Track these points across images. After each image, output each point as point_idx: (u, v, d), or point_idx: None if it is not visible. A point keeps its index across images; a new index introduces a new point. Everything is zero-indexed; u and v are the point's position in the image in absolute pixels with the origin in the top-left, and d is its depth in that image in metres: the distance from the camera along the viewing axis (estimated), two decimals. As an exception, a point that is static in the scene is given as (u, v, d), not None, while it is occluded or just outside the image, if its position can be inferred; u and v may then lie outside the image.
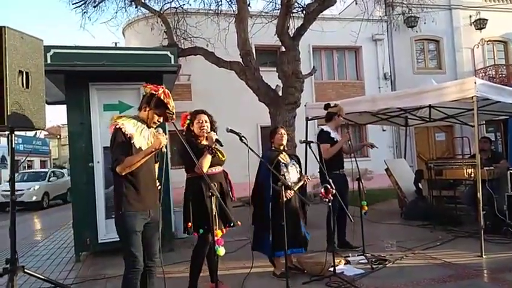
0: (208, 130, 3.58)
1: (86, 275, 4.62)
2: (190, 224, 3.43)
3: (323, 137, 5.05)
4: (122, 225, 2.78)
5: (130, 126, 2.83)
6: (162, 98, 2.89)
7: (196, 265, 3.57)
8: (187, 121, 3.66)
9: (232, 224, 3.51)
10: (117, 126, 2.81)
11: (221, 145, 3.48)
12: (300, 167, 4.35)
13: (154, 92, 2.90)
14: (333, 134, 5.11)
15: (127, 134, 2.79)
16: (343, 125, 5.33)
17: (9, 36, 3.03)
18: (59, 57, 5.34)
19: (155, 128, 2.98)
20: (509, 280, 3.76)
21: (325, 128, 5.22)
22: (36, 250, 6.37)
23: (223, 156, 3.65)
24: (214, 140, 3.43)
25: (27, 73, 3.16)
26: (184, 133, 3.66)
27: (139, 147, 2.81)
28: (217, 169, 3.61)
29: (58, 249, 6.32)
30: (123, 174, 2.75)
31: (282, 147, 4.26)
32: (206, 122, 3.59)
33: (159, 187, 3.08)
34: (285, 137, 4.30)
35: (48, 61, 5.12)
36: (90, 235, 5.26)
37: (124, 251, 2.81)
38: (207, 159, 3.42)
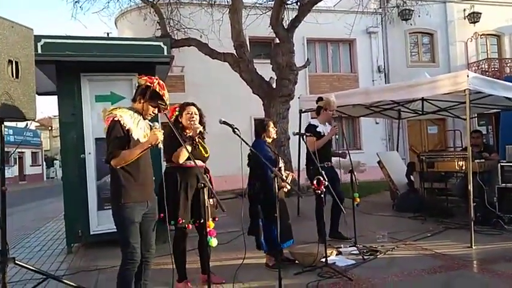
0: (197, 122, 3.56)
1: (78, 267, 4.60)
2: (162, 214, 3.33)
3: (309, 130, 5.07)
4: (122, 216, 2.76)
5: (128, 118, 2.82)
6: (157, 90, 2.88)
7: (177, 257, 3.53)
8: (176, 113, 3.64)
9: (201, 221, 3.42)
10: (116, 119, 2.78)
11: (202, 137, 3.47)
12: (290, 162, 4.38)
13: (150, 84, 2.89)
14: (320, 128, 5.10)
15: (125, 127, 2.77)
16: (336, 118, 5.30)
17: (-2, 24, 2.98)
18: (50, 47, 5.27)
19: (152, 122, 2.96)
20: (497, 270, 3.82)
21: (313, 121, 5.23)
22: (27, 242, 6.34)
23: (207, 153, 3.60)
24: (197, 132, 3.43)
25: (16, 63, 3.12)
26: (172, 125, 3.64)
27: (137, 139, 2.81)
28: (199, 163, 3.47)
29: (49, 241, 6.29)
30: (118, 167, 2.74)
31: (270, 140, 4.28)
32: (196, 114, 3.57)
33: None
34: (275, 130, 4.34)
35: (39, 51, 5.06)
36: (82, 227, 5.24)
37: (122, 242, 2.79)
38: (185, 150, 3.31)
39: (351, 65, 15.85)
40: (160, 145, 2.83)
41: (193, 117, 3.54)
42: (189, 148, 3.32)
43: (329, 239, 4.89)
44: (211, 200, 3.47)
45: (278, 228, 3.44)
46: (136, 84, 3.01)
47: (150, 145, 2.79)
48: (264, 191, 4.02)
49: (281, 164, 4.13)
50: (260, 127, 4.31)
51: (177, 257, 3.55)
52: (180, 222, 3.39)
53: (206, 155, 3.60)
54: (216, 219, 3.58)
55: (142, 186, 2.87)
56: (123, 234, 2.79)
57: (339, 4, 15.36)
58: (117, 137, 2.74)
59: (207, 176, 3.62)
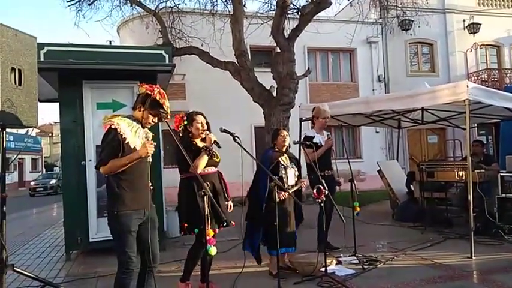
0: (207, 132, 3.60)
1: (77, 274, 4.59)
2: (186, 224, 3.47)
3: (305, 141, 5.09)
4: (117, 225, 2.75)
5: (125, 127, 2.81)
6: (157, 98, 2.87)
7: (192, 264, 3.61)
8: (185, 122, 3.66)
9: (226, 224, 3.53)
10: (113, 126, 2.77)
11: (219, 147, 3.51)
12: (299, 170, 4.37)
13: (150, 92, 2.87)
14: (316, 139, 5.11)
15: (122, 135, 2.76)
16: (336, 127, 5.31)
17: (2, 33, 3.02)
18: (53, 54, 5.31)
19: (150, 132, 2.97)
20: (498, 281, 3.80)
21: (309, 132, 5.26)
22: (26, 248, 6.32)
23: (218, 158, 3.65)
24: (212, 142, 3.47)
25: (19, 70, 3.15)
26: (181, 134, 3.67)
27: (134, 148, 2.79)
28: (211, 169, 3.61)
29: (48, 248, 6.27)
30: (112, 175, 2.75)
31: (284, 149, 4.28)
32: (204, 124, 3.61)
33: (151, 187, 3.08)
34: (288, 139, 4.32)
35: (42, 59, 5.08)
36: (81, 234, 5.23)
37: (118, 251, 2.78)
38: (204, 160, 3.44)
39: (351, 74, 15.91)
40: (149, 159, 2.82)
41: (204, 127, 3.58)
42: (206, 157, 3.43)
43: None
44: (228, 203, 3.64)
45: (276, 237, 3.46)
46: (138, 92, 3.02)
47: (139, 157, 2.76)
48: (254, 197, 4.14)
49: (284, 173, 4.11)
50: (273, 135, 4.39)
51: (190, 265, 3.61)
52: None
53: (218, 160, 3.65)
54: (233, 224, 3.60)
55: (138, 194, 2.83)
56: (118, 243, 2.77)
57: (339, 14, 15.45)
58: (110, 145, 2.73)
59: (221, 180, 3.71)
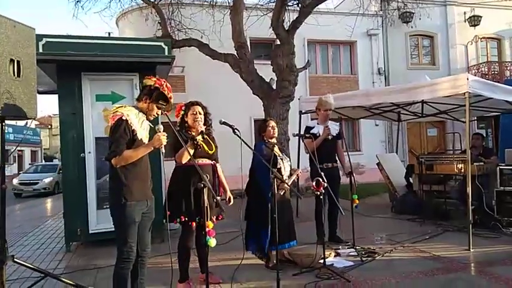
0: (202, 122, 3.58)
1: (76, 265, 4.62)
2: (169, 212, 3.36)
3: (305, 132, 5.08)
4: (122, 215, 2.77)
5: (134, 118, 2.84)
6: (165, 93, 2.91)
7: (182, 257, 3.55)
8: (182, 112, 3.65)
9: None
10: (123, 118, 2.79)
11: (203, 137, 3.47)
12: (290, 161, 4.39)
13: (159, 86, 2.90)
14: (316, 129, 5.09)
15: (131, 127, 2.79)
16: (335, 119, 5.30)
17: (0, 24, 3.00)
18: (51, 46, 5.27)
19: (155, 126, 2.98)
20: (495, 273, 3.83)
21: (310, 123, 5.26)
22: (26, 240, 6.34)
23: (211, 150, 3.58)
24: (198, 132, 3.47)
25: (18, 62, 3.13)
26: (178, 124, 3.65)
27: (141, 139, 2.84)
28: (204, 161, 3.54)
29: (48, 239, 6.29)
30: (118, 166, 2.76)
31: (273, 140, 4.26)
32: (200, 113, 3.58)
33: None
34: (276, 130, 4.28)
35: (40, 50, 5.05)
36: (81, 225, 5.25)
37: (120, 240, 2.80)
38: (186, 151, 3.36)
39: (351, 66, 15.85)
40: (163, 149, 2.83)
41: (197, 117, 3.55)
42: (191, 149, 3.36)
43: (327, 241, 4.88)
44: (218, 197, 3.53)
45: (276, 230, 3.45)
46: (137, 84, 3.03)
47: (153, 148, 2.81)
48: (255, 193, 4.06)
49: (282, 165, 4.11)
50: (260, 127, 4.32)
51: (181, 257, 3.56)
52: (183, 219, 3.39)
53: (211, 152, 3.58)
54: (220, 217, 3.59)
55: (143, 185, 2.89)
56: (121, 233, 2.79)
57: (339, 6, 15.36)
58: (122, 137, 2.75)
59: (216, 174, 3.65)
